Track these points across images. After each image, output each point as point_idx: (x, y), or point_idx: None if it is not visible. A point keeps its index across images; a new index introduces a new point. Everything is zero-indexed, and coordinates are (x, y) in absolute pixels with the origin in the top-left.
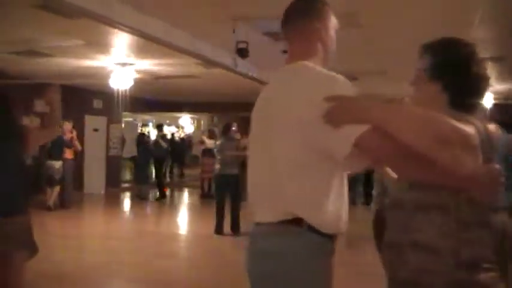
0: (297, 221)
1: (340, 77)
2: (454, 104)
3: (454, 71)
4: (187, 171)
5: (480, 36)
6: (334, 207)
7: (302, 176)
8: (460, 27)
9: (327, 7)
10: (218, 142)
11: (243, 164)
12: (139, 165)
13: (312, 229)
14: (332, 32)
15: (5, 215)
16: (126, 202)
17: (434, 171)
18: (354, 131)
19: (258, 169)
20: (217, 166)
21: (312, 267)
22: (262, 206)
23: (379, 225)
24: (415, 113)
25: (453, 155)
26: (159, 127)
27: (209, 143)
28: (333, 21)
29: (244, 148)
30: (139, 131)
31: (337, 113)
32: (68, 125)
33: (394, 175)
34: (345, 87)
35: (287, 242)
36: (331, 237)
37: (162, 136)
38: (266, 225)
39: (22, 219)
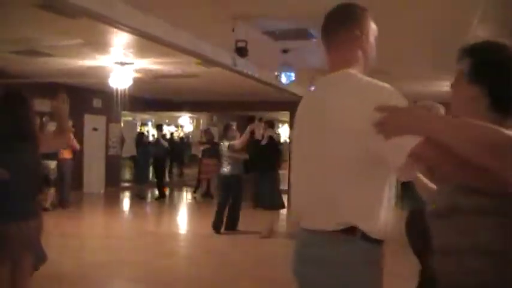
0: (352, 230)
1: (389, 87)
2: (494, 108)
3: (494, 74)
4: (186, 171)
5: (480, 36)
6: (385, 214)
7: (357, 185)
8: (460, 26)
9: (367, 13)
10: (227, 143)
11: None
12: (139, 165)
13: (364, 237)
14: (372, 39)
15: (22, 218)
16: (126, 201)
17: (490, 178)
18: (409, 142)
19: (308, 177)
20: (227, 166)
21: (368, 274)
22: (313, 213)
23: (414, 229)
24: (471, 124)
25: (508, 164)
26: (159, 127)
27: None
28: (373, 28)
29: (242, 149)
30: (138, 130)
31: (391, 123)
32: (52, 126)
33: (430, 183)
34: (394, 96)
35: (343, 251)
36: (380, 243)
37: (162, 136)
38: (320, 233)
39: (36, 224)
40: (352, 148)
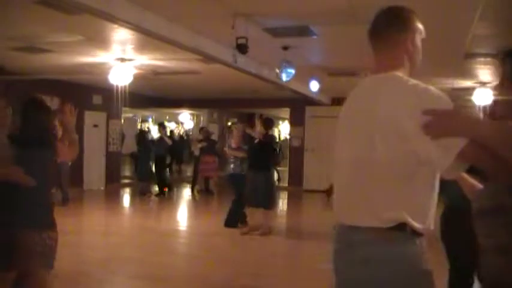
0: (402, 227)
1: (436, 90)
2: None
3: None
4: (185, 168)
5: (481, 33)
6: (433, 209)
7: (406, 183)
8: (460, 23)
9: (414, 16)
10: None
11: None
12: (141, 162)
13: (414, 232)
14: (418, 43)
15: (45, 228)
16: (126, 198)
17: None
18: (456, 144)
19: (353, 174)
20: (231, 164)
21: (422, 268)
22: (360, 211)
23: (451, 227)
24: None
25: None
26: (162, 125)
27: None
28: (420, 31)
29: (239, 148)
30: (139, 127)
31: (438, 126)
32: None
33: (475, 182)
34: (441, 99)
35: (396, 248)
36: (424, 237)
37: (170, 133)
38: (367, 231)
39: (55, 235)
40: (401, 150)
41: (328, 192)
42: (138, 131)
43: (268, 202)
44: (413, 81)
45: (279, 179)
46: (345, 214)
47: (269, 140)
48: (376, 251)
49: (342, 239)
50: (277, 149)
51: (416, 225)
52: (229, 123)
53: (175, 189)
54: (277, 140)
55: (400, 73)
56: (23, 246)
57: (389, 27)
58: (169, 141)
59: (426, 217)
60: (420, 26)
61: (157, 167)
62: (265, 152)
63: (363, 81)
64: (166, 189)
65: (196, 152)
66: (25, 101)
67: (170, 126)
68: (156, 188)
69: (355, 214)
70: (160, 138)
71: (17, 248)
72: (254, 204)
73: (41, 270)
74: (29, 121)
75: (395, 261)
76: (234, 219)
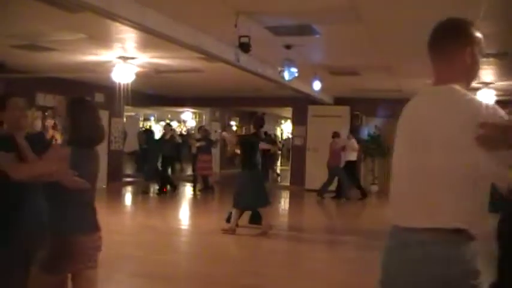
0: (459, 231)
1: (492, 103)
2: None
3: None
4: (186, 167)
5: (484, 32)
6: (486, 216)
7: (464, 191)
8: None
9: (472, 27)
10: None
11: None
12: (149, 162)
13: (469, 236)
14: (477, 56)
15: (96, 229)
16: (128, 196)
17: None
18: (510, 156)
19: (413, 181)
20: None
21: (476, 269)
22: (417, 213)
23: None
24: None
25: None
26: (169, 124)
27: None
28: (478, 42)
29: (234, 147)
30: (144, 126)
31: (494, 138)
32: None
33: None
34: (497, 113)
35: (452, 250)
36: (476, 239)
37: (186, 132)
38: (425, 232)
39: (100, 236)
40: (457, 160)
41: (319, 192)
42: (143, 130)
43: (257, 201)
44: (470, 95)
45: (274, 177)
46: (403, 217)
47: (246, 139)
48: (434, 251)
49: (397, 240)
50: (254, 146)
51: (472, 230)
52: (219, 131)
53: (177, 188)
54: (258, 137)
55: (457, 86)
56: (78, 250)
57: (447, 39)
58: (179, 140)
59: (481, 222)
60: (479, 36)
61: (165, 166)
62: (245, 151)
63: (422, 91)
64: (166, 190)
65: (194, 150)
66: (72, 102)
67: (172, 125)
68: (156, 187)
69: (414, 217)
70: (171, 137)
71: (71, 253)
72: (241, 206)
73: (92, 271)
74: (80, 121)
75: (451, 261)
76: (258, 215)
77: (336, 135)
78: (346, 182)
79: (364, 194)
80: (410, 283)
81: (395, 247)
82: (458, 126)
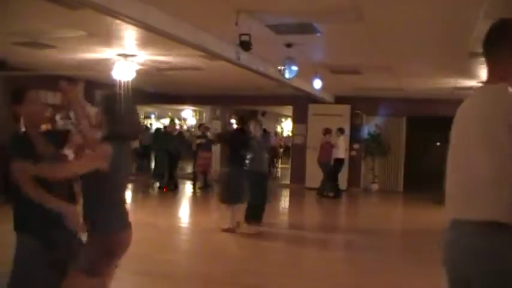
0: (503, 224)
1: None
2: None
3: None
4: (185, 165)
5: (485, 31)
6: None
7: (503, 186)
8: (464, 21)
9: None
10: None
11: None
12: (156, 159)
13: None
14: None
15: (129, 226)
16: (128, 194)
17: None
18: None
19: (465, 176)
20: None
21: None
22: (469, 206)
23: None
24: None
25: None
26: (172, 121)
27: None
28: None
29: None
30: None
31: None
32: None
33: None
34: None
35: (497, 240)
36: None
37: (197, 129)
38: (475, 224)
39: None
40: (498, 156)
41: (319, 191)
42: (156, 128)
43: (232, 197)
44: None
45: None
46: (458, 209)
47: (224, 136)
48: (484, 241)
49: (455, 231)
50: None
51: None
52: (260, 113)
53: (180, 186)
54: (240, 134)
55: (507, 85)
56: (119, 247)
57: (500, 39)
58: (188, 136)
59: None
60: None
61: (173, 164)
62: (229, 147)
63: (476, 90)
64: (166, 190)
65: (193, 148)
66: (106, 98)
67: (176, 122)
68: (157, 185)
69: (467, 210)
70: (180, 134)
71: (114, 251)
72: (226, 200)
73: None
74: (118, 116)
75: (498, 251)
76: (258, 213)
77: (327, 131)
78: (328, 179)
79: (337, 194)
80: (477, 273)
81: (454, 238)
82: (501, 124)
